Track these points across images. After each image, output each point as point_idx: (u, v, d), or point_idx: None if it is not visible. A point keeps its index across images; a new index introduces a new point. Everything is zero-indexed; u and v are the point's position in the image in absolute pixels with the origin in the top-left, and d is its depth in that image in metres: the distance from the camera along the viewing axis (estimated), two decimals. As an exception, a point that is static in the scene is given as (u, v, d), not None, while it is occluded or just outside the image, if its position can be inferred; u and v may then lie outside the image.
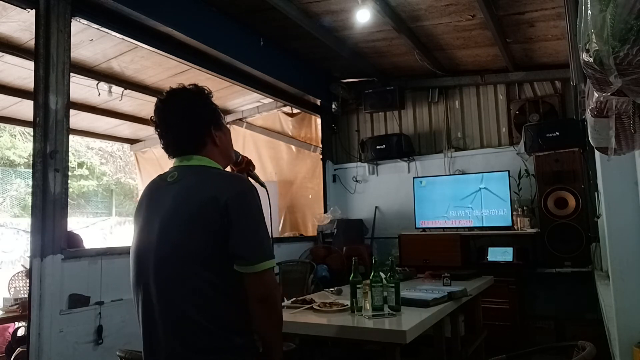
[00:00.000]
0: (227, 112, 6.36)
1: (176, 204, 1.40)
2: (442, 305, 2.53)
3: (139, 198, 1.56)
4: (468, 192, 4.80)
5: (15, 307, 3.59)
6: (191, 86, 1.53)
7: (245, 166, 1.76)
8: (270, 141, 6.39)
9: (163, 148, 1.53)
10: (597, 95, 1.27)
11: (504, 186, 4.60)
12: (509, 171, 4.64)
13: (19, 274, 4.93)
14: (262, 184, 1.75)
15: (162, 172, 1.53)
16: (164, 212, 1.41)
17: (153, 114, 1.51)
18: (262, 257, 1.35)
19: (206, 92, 1.54)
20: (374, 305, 2.33)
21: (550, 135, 4.31)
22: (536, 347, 1.83)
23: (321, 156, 5.96)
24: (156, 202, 1.46)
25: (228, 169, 1.64)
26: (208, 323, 1.32)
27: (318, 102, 5.69)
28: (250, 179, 1.73)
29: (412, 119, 5.64)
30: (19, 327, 4.12)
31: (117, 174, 12.96)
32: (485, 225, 4.67)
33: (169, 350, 1.33)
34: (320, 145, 5.99)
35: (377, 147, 5.42)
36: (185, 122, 1.48)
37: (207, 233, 1.34)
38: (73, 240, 3.34)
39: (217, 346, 1.34)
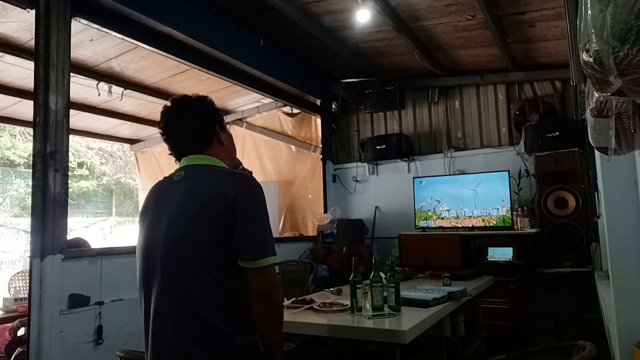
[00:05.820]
0: (227, 112, 6.35)
1: (183, 201, 1.43)
2: (442, 305, 2.53)
3: (145, 198, 1.59)
4: (468, 192, 4.81)
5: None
6: (193, 95, 1.63)
7: None
8: (270, 141, 6.39)
9: (171, 151, 1.60)
10: (597, 95, 1.26)
11: (504, 186, 4.60)
12: (509, 171, 4.64)
13: (19, 274, 4.92)
14: None
15: (164, 173, 1.58)
16: (172, 209, 1.44)
17: (160, 120, 1.59)
18: (265, 253, 1.38)
19: (208, 98, 1.64)
20: (374, 305, 2.33)
21: (550, 135, 4.31)
22: (536, 347, 1.83)
23: (321, 156, 5.96)
24: (163, 200, 1.49)
25: None
26: (216, 320, 1.34)
27: (318, 102, 5.69)
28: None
29: (412, 119, 5.64)
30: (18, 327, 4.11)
31: (117, 174, 12.97)
32: (485, 225, 4.67)
33: (176, 346, 1.34)
34: (320, 145, 5.99)
35: (377, 147, 5.42)
36: (193, 122, 1.56)
37: (214, 228, 1.37)
38: (80, 246, 3.30)
39: (223, 343, 1.35)
